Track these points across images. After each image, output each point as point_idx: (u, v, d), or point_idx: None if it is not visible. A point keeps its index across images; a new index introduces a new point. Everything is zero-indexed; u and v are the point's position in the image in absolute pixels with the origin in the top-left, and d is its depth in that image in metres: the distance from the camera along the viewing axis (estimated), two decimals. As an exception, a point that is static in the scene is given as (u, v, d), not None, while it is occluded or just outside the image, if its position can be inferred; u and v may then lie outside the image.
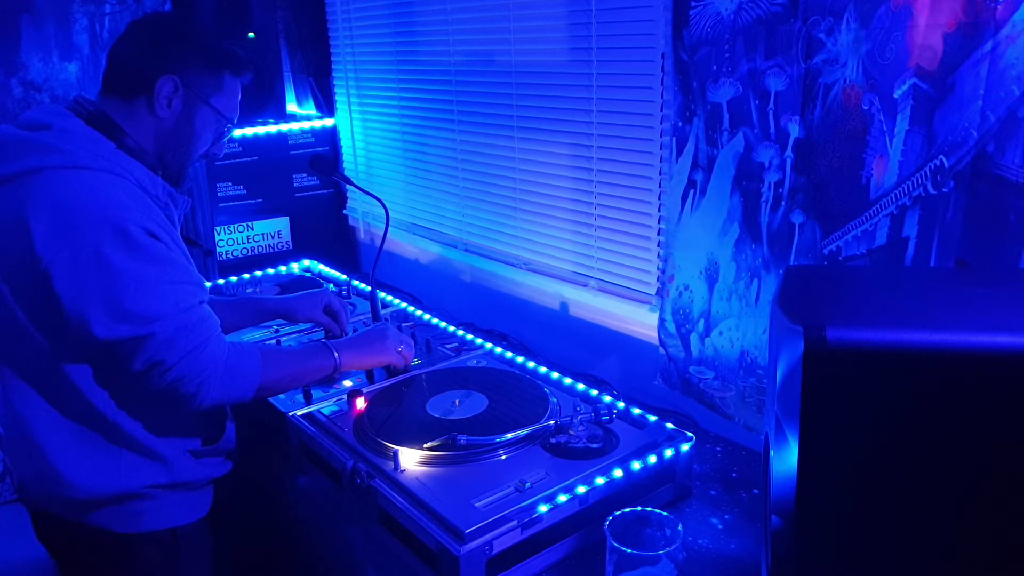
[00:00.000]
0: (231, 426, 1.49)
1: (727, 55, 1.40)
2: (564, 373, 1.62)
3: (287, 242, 2.59)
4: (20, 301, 1.26)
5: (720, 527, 1.31)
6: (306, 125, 2.59)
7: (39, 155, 1.23)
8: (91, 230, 1.19)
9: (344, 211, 2.73)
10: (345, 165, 2.72)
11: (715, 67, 1.42)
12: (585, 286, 1.87)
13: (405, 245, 2.52)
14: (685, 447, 1.35)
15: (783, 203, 1.37)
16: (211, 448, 1.43)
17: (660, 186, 1.63)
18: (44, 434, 1.31)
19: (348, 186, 2.43)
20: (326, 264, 2.46)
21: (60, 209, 1.20)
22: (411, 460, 1.30)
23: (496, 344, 1.80)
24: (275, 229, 2.57)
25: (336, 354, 1.48)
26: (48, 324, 1.25)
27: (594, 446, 1.33)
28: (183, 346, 1.24)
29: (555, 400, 1.47)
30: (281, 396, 1.58)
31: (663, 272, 1.65)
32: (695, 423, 1.63)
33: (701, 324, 1.57)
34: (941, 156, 1.14)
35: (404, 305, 2.07)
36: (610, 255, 1.80)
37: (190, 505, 1.43)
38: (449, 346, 1.80)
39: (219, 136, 1.44)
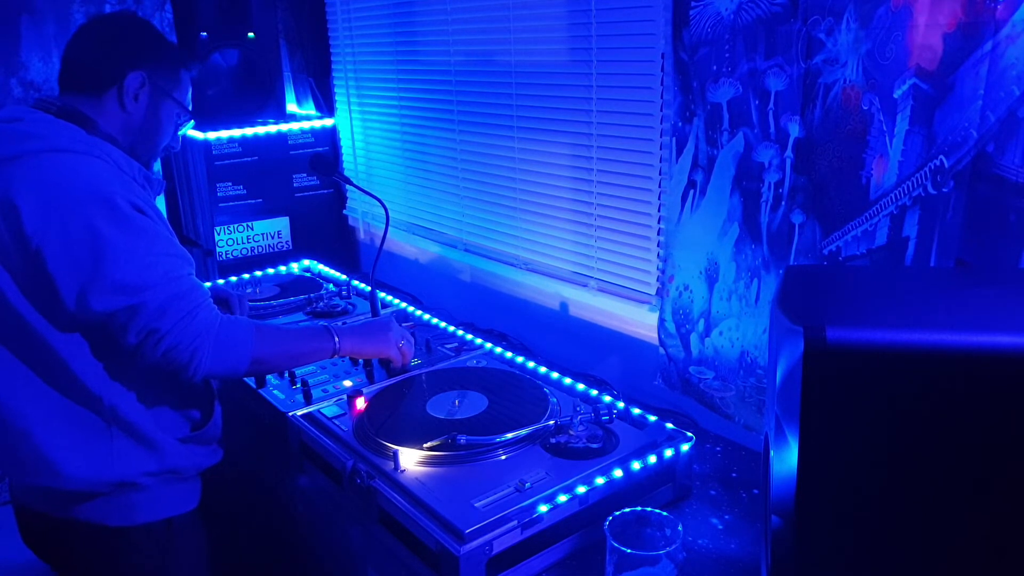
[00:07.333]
0: (219, 410, 1.50)
1: (727, 55, 1.40)
2: (564, 373, 1.62)
3: (287, 242, 2.59)
4: (15, 282, 1.27)
5: (720, 527, 1.31)
6: (306, 125, 2.59)
7: (17, 142, 1.26)
8: (79, 205, 1.22)
9: (344, 211, 2.73)
10: (345, 165, 2.72)
11: (715, 67, 1.42)
12: (585, 286, 1.87)
13: (405, 245, 2.52)
14: (685, 447, 1.35)
15: (783, 203, 1.37)
16: (199, 434, 1.44)
17: (660, 186, 1.63)
18: (35, 422, 1.31)
19: (348, 186, 2.43)
20: (326, 264, 2.46)
21: (46, 188, 1.23)
22: (411, 460, 1.30)
23: (496, 344, 1.80)
24: (275, 229, 2.57)
25: (336, 338, 1.48)
26: (43, 303, 1.27)
27: (594, 446, 1.33)
28: (175, 314, 1.25)
29: (555, 400, 1.47)
30: (280, 396, 1.58)
31: (663, 272, 1.65)
32: (695, 423, 1.63)
33: (701, 324, 1.57)
34: (941, 156, 1.14)
35: (404, 305, 2.07)
36: (610, 255, 1.80)
37: (182, 496, 1.44)
38: (449, 346, 1.80)
39: (177, 128, 1.50)
